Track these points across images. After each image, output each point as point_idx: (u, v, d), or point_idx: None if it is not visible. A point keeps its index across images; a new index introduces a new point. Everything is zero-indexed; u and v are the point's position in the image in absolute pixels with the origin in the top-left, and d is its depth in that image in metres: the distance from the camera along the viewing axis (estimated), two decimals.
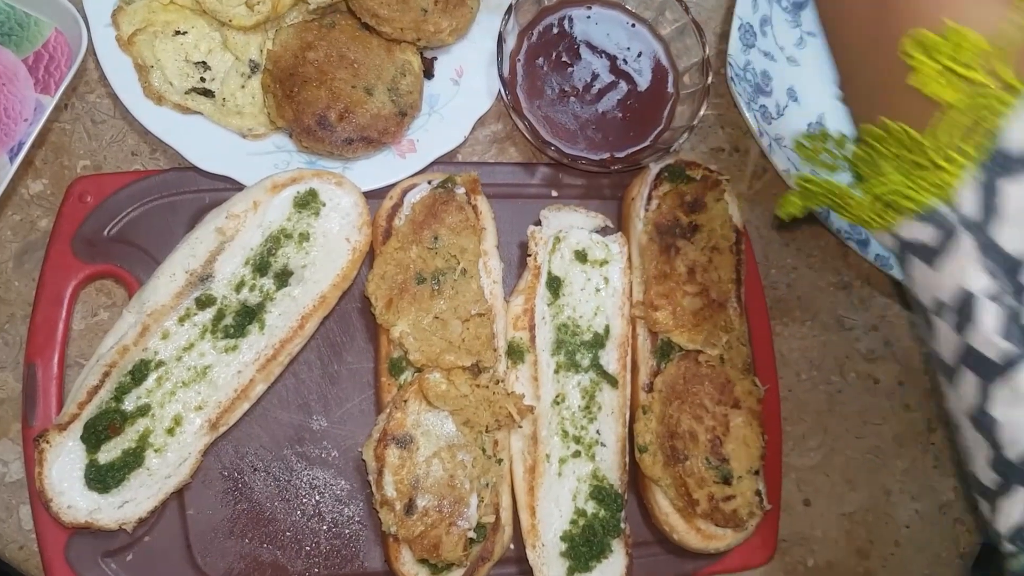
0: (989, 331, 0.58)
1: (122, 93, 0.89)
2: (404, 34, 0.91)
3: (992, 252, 0.58)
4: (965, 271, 0.59)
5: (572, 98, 0.96)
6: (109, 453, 0.80)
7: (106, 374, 0.80)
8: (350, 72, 0.90)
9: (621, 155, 0.95)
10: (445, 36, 0.92)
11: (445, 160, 0.96)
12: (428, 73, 0.96)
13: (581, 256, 0.92)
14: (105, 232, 0.87)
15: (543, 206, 0.94)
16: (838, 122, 1.04)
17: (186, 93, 0.90)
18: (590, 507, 0.87)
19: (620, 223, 0.97)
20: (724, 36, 1.05)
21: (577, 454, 0.88)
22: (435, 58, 0.97)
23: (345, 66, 0.90)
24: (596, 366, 0.90)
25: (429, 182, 0.90)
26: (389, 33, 0.91)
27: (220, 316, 0.83)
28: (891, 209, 0.63)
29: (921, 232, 0.62)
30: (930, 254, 0.61)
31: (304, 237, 0.86)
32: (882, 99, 0.64)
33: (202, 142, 0.89)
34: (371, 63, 0.91)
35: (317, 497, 0.86)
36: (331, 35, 0.91)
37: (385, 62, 0.92)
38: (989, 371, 0.59)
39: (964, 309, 0.60)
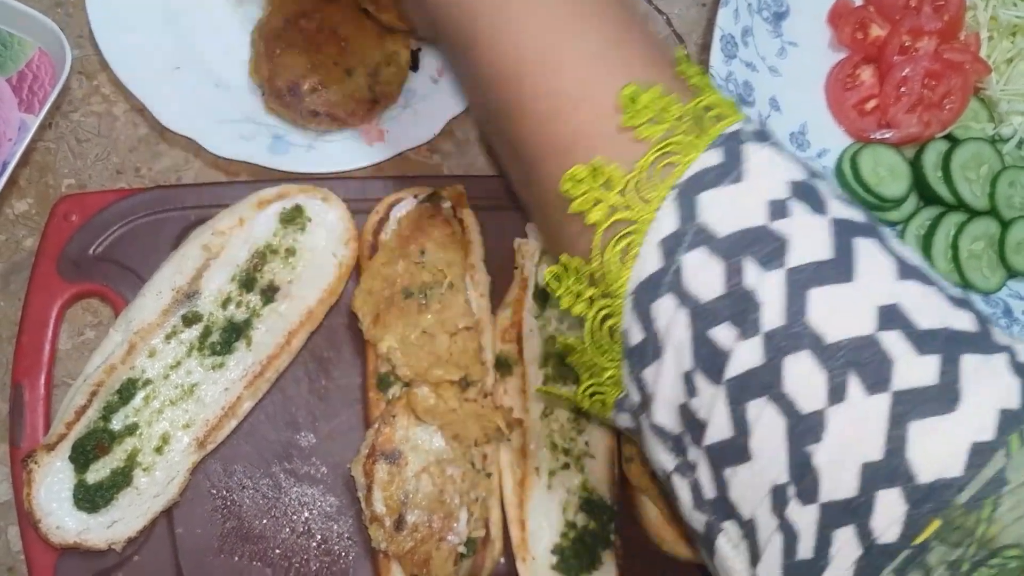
0: (688, 507, 0.57)
1: (104, 47, 0.91)
2: (401, 23, 0.92)
3: (659, 432, 0.57)
4: (656, 452, 0.59)
5: None
6: (97, 473, 0.80)
7: (93, 393, 0.80)
8: (336, 49, 0.92)
9: None
10: None
11: (432, 174, 0.96)
12: (414, 65, 0.97)
13: None
14: (91, 251, 0.86)
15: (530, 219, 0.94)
16: (820, 131, 1.05)
17: None
18: (580, 519, 0.87)
19: None
20: (706, 47, 1.05)
21: (566, 466, 0.88)
22: (420, 48, 0.98)
23: (334, 42, 0.92)
24: None
25: (415, 196, 0.91)
26: (387, 20, 0.92)
27: (207, 333, 0.83)
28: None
29: (622, 420, 0.62)
30: (639, 439, 0.61)
31: (290, 252, 0.86)
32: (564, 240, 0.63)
33: (174, 103, 0.91)
34: (359, 46, 0.93)
35: (306, 514, 0.86)
36: (328, 9, 0.93)
37: (374, 48, 0.93)
38: (705, 545, 0.57)
39: (671, 491, 0.58)
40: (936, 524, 0.45)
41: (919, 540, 0.46)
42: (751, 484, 0.52)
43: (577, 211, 0.57)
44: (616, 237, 0.56)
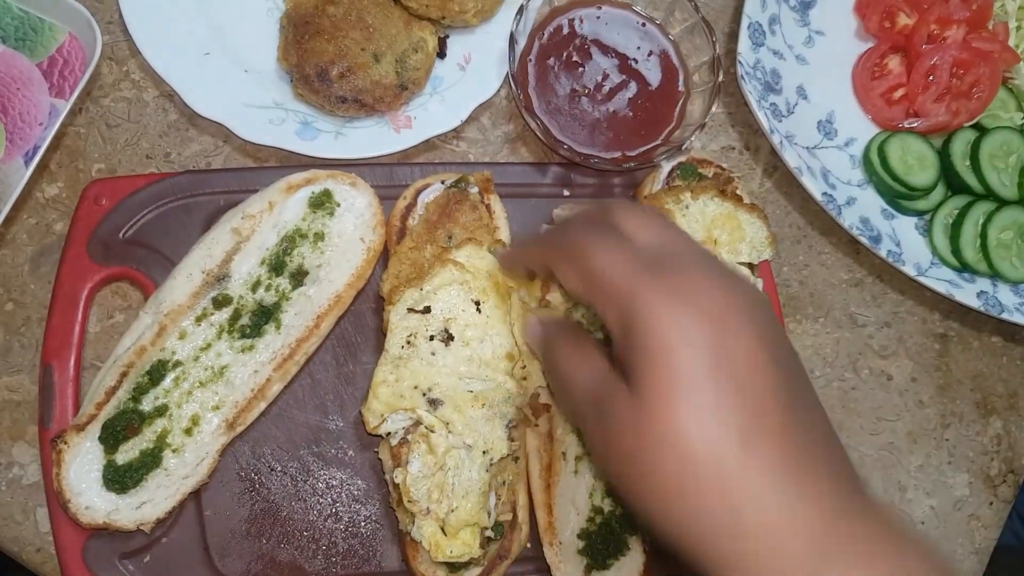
0: None
1: (135, 33, 0.91)
2: (428, 11, 0.93)
3: None
4: None
5: (583, 97, 0.96)
6: (127, 454, 0.80)
7: (124, 374, 0.80)
8: (363, 35, 0.92)
9: (632, 154, 0.96)
10: (469, 17, 0.94)
11: (458, 160, 0.96)
12: (441, 53, 0.97)
13: None
14: (120, 235, 0.87)
15: (555, 205, 0.94)
16: (848, 119, 1.05)
17: None
18: (607, 504, 0.87)
19: None
20: (733, 35, 1.05)
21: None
22: (447, 36, 0.99)
23: (361, 28, 0.92)
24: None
25: (443, 182, 0.91)
26: (414, 8, 0.93)
27: (237, 316, 0.83)
28: None
29: None
30: None
31: (319, 237, 0.86)
32: None
33: (204, 89, 0.91)
34: (387, 32, 0.93)
35: (334, 497, 0.86)
36: None
37: (401, 34, 0.94)
38: None
39: None
40: None
41: None
42: None
43: None
44: None
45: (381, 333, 0.90)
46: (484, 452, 0.81)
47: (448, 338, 0.83)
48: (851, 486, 0.59)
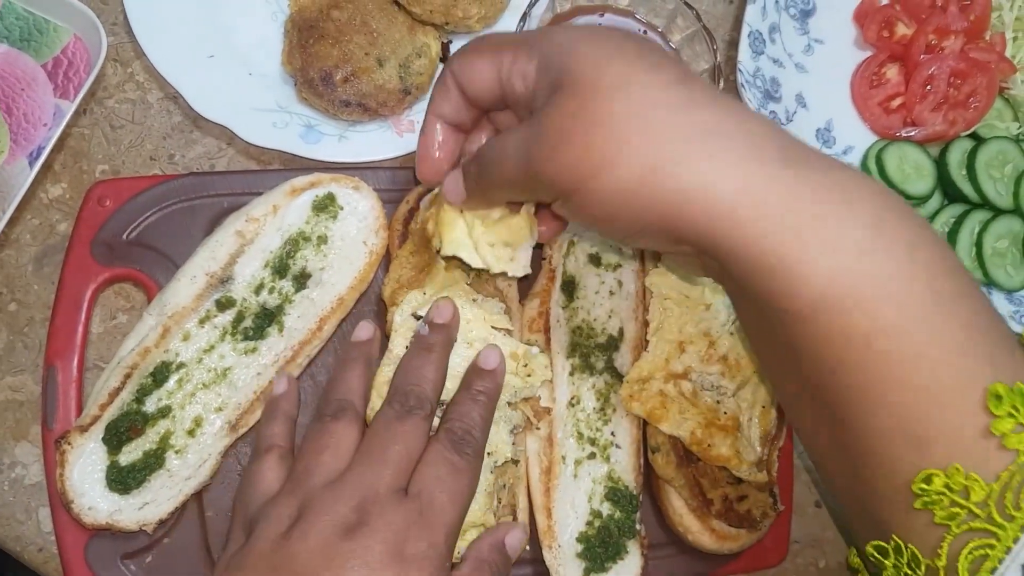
0: None
1: (140, 35, 0.91)
2: (433, 16, 0.93)
3: None
4: None
5: None
6: (130, 454, 0.80)
7: (127, 376, 0.81)
8: (368, 40, 0.93)
9: None
10: (473, 23, 0.95)
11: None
12: (444, 58, 0.99)
13: (595, 259, 0.93)
14: (124, 236, 0.87)
15: None
16: (846, 128, 1.05)
17: None
18: (605, 508, 0.88)
19: None
20: (733, 43, 1.06)
21: (592, 456, 0.88)
22: (450, 41, 1.00)
23: (365, 33, 0.93)
24: (611, 368, 0.91)
25: None
26: (418, 14, 0.94)
27: (240, 318, 0.84)
28: None
29: None
30: None
31: (322, 240, 0.87)
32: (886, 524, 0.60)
33: (208, 91, 0.91)
34: (391, 37, 0.94)
35: None
36: (360, 0, 0.94)
37: (405, 39, 0.95)
38: None
39: None
40: None
41: None
42: None
43: (925, 509, 0.55)
44: (970, 547, 0.53)
45: (383, 336, 0.90)
46: (489, 454, 0.82)
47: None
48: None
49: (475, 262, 0.78)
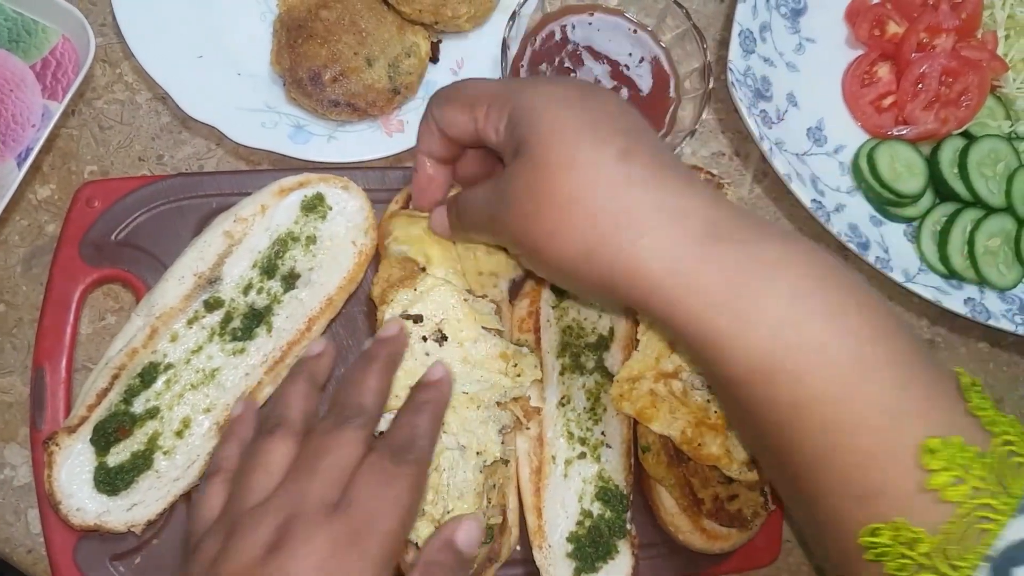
0: None
1: (129, 35, 0.91)
2: (422, 15, 0.93)
3: None
4: None
5: None
6: (118, 455, 0.80)
7: (115, 377, 0.81)
8: (357, 39, 0.93)
9: None
10: (462, 22, 0.95)
11: None
12: (434, 58, 0.98)
13: None
14: (112, 237, 0.87)
15: None
16: (837, 126, 1.05)
17: None
18: (596, 508, 0.87)
19: None
20: (724, 42, 1.06)
21: (583, 455, 0.88)
22: (440, 40, 0.99)
23: (354, 33, 0.93)
24: (601, 368, 0.90)
25: None
26: (408, 13, 0.94)
27: (228, 319, 0.84)
28: None
29: None
30: None
31: (311, 240, 0.87)
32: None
33: (196, 91, 0.91)
34: (380, 36, 0.94)
35: None
36: (349, 0, 0.94)
37: (394, 39, 0.95)
38: None
39: None
40: None
41: None
42: None
43: (876, 560, 0.57)
44: None
45: (372, 336, 0.90)
46: (478, 453, 0.82)
47: (442, 338, 0.84)
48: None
49: (460, 285, 0.84)
